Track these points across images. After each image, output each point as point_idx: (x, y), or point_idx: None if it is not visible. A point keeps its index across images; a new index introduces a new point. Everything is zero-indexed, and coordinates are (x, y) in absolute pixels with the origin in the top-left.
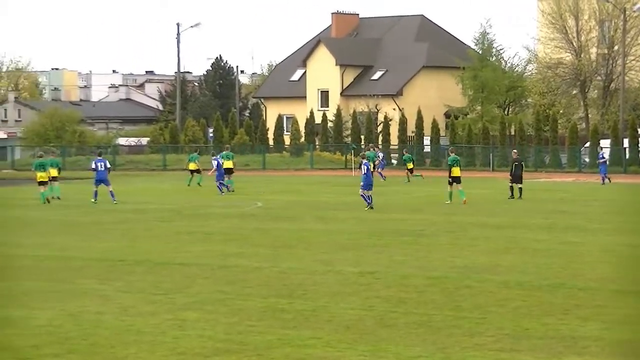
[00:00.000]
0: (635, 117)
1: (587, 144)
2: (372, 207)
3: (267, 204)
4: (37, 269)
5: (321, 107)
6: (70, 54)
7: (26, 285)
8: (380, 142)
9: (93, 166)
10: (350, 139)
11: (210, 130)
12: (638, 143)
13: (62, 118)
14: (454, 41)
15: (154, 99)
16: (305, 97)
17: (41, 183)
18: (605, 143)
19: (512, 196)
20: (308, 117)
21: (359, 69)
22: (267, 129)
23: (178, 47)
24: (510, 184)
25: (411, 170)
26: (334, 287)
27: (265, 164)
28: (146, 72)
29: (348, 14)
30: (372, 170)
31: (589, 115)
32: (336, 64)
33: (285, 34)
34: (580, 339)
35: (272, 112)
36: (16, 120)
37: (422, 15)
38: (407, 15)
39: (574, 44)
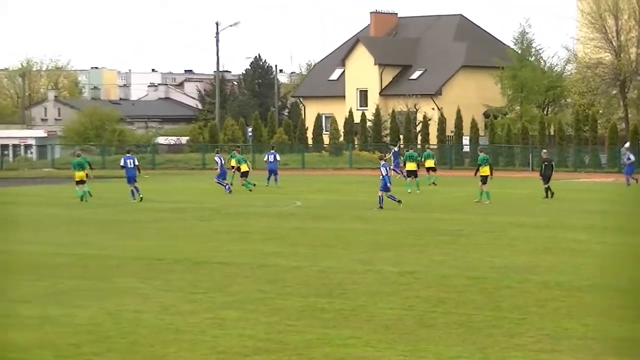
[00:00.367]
0: None
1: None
2: (382, 208)
3: (306, 203)
4: (77, 268)
5: (360, 106)
6: (109, 53)
7: (66, 284)
8: (419, 142)
9: (122, 163)
10: (389, 138)
11: (249, 129)
12: None
13: (101, 117)
14: (492, 41)
15: (193, 97)
16: (344, 96)
17: (79, 182)
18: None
19: (547, 196)
20: (347, 116)
21: (397, 68)
22: (306, 128)
23: (217, 46)
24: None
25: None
26: (373, 287)
27: (304, 163)
28: (185, 71)
29: (387, 13)
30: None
31: (629, 115)
32: (375, 64)
33: (324, 34)
34: (620, 340)
35: (311, 112)
36: (56, 119)
37: (460, 14)
38: (446, 15)
39: (614, 43)
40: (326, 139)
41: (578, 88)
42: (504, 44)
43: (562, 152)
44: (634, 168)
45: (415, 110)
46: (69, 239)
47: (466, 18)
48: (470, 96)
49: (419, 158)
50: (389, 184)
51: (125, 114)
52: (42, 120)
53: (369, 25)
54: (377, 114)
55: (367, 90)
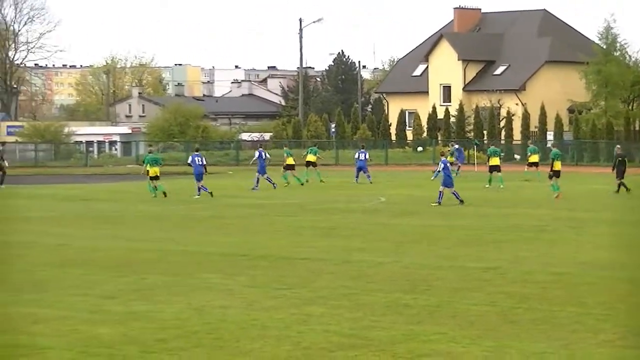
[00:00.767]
0: None
1: None
2: (439, 204)
3: (390, 199)
4: (162, 263)
5: (443, 102)
6: (193, 49)
7: (151, 280)
8: (502, 138)
9: (190, 161)
10: (472, 134)
11: (333, 125)
12: None
13: (185, 113)
14: (577, 36)
15: (276, 94)
16: (427, 92)
17: (153, 178)
18: None
19: (618, 191)
20: (430, 112)
21: (481, 64)
22: (390, 124)
23: (301, 42)
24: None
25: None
26: (457, 283)
27: (387, 159)
28: (268, 67)
29: (470, 8)
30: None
31: None
32: (458, 59)
33: (407, 29)
34: None
35: (394, 107)
36: (140, 116)
37: (544, 9)
38: (530, 10)
39: None
40: (409, 135)
41: None
42: (589, 39)
43: None
44: None
45: (499, 105)
46: (154, 235)
47: (550, 13)
48: (555, 91)
49: (502, 154)
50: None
51: (209, 110)
52: (127, 116)
53: (452, 20)
54: (461, 109)
55: (450, 86)
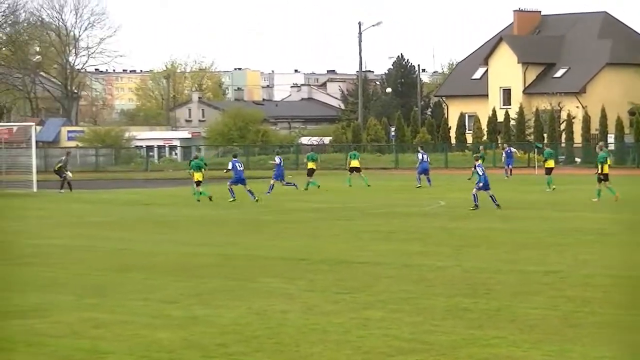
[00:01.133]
0: None
1: None
2: (477, 207)
3: (450, 202)
4: (223, 268)
5: (503, 105)
6: (253, 54)
7: (212, 284)
8: (563, 140)
9: (230, 167)
10: (532, 137)
11: (392, 129)
12: None
13: (245, 118)
14: (638, 38)
15: (335, 98)
16: (487, 95)
17: (198, 183)
18: None
19: None
20: (490, 115)
21: (541, 66)
22: (449, 128)
23: (360, 46)
24: None
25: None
26: (518, 287)
27: (447, 162)
28: (328, 71)
29: (530, 11)
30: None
31: None
32: (518, 62)
33: (466, 32)
34: None
35: (454, 111)
36: (200, 120)
37: (605, 12)
38: (590, 12)
39: None
40: (469, 138)
41: None
42: None
43: None
44: None
45: (559, 108)
46: (214, 239)
47: (611, 15)
48: (615, 94)
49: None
50: (488, 182)
51: (269, 114)
52: (186, 121)
53: (512, 23)
54: (521, 112)
55: (510, 89)
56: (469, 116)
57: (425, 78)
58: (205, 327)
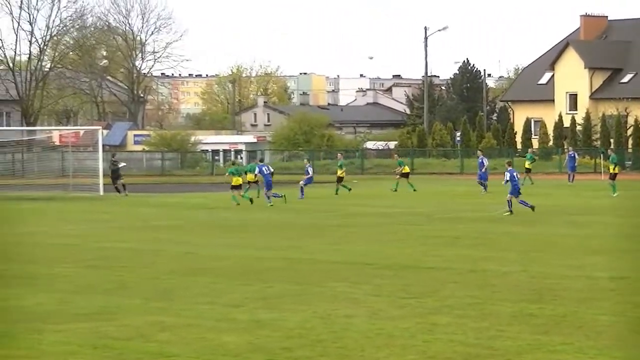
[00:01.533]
0: None
1: None
2: (511, 212)
3: (515, 208)
4: (288, 272)
5: (569, 110)
6: (318, 58)
7: (277, 288)
8: (630, 146)
9: (257, 172)
10: (599, 142)
11: (458, 133)
12: None
13: (310, 122)
14: None
15: (401, 102)
16: (553, 100)
17: (234, 187)
18: None
19: None
20: (556, 120)
21: (607, 71)
22: (515, 133)
23: (426, 50)
24: None
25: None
26: (585, 293)
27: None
28: (393, 76)
29: (597, 16)
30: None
31: None
32: (585, 67)
33: (532, 37)
34: None
35: (519, 116)
36: (265, 124)
37: None
38: None
39: None
40: (535, 143)
41: None
42: None
43: None
44: None
45: (626, 114)
46: (280, 243)
47: None
48: None
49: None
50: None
51: (334, 119)
52: (252, 125)
53: (578, 28)
54: (587, 118)
55: (576, 94)
56: (535, 121)
57: (491, 83)
58: (271, 330)
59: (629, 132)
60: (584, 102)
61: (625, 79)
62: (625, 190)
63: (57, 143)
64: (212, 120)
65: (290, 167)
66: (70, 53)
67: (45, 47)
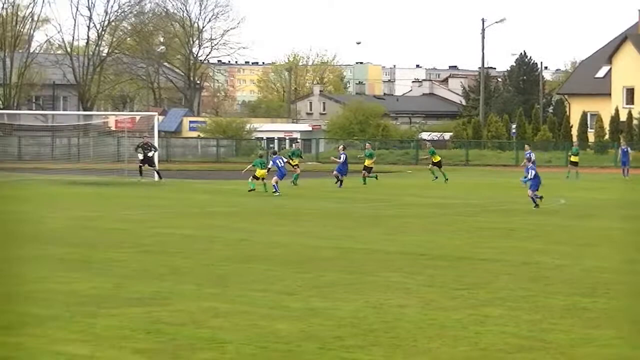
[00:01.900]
0: None
1: None
2: (537, 206)
3: (571, 201)
4: (341, 261)
5: (626, 104)
6: (374, 48)
7: (331, 276)
8: None
9: (271, 165)
10: None
11: (513, 126)
12: None
13: (365, 112)
14: None
15: (457, 93)
16: (609, 94)
17: (256, 177)
18: None
19: None
20: (613, 114)
21: None
22: (571, 126)
23: (482, 42)
24: None
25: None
26: (638, 287)
27: (567, 160)
28: (450, 67)
29: None
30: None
31: None
32: None
33: (590, 30)
34: None
35: (575, 109)
36: (321, 113)
37: None
38: None
39: None
40: (591, 137)
41: None
42: None
43: None
44: None
45: None
46: (334, 232)
47: None
48: None
49: None
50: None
51: (389, 109)
52: (307, 114)
53: (637, 22)
54: None
55: (634, 88)
56: (591, 115)
57: (547, 76)
58: (323, 319)
59: None
60: None
61: None
62: None
63: (113, 128)
64: (268, 108)
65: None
66: (128, 39)
67: (103, 33)
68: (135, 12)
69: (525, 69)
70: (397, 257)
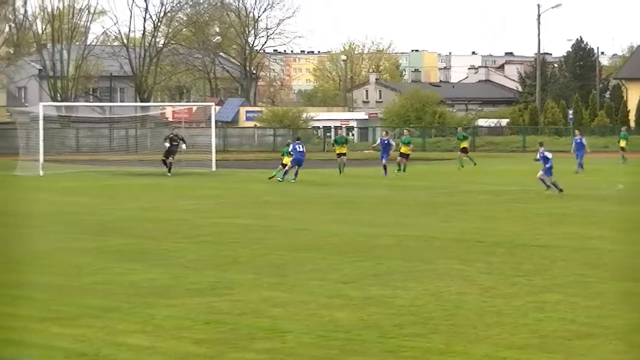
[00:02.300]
0: None
1: None
2: (561, 190)
3: (628, 186)
4: (399, 249)
5: None
6: (430, 35)
7: (388, 265)
8: None
9: (291, 149)
10: None
11: (570, 112)
12: None
13: (422, 99)
14: None
15: (513, 80)
16: None
17: (283, 165)
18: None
19: None
20: None
21: None
22: (628, 111)
23: (538, 28)
24: None
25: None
26: None
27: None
28: (505, 53)
29: None
30: None
31: None
32: None
33: None
34: None
35: (633, 94)
36: (377, 102)
37: None
38: None
39: None
40: None
41: None
42: None
43: None
44: None
45: None
46: (391, 220)
47: None
48: None
49: None
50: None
51: (445, 96)
52: (364, 102)
53: None
54: None
55: None
56: None
57: (604, 61)
58: (382, 307)
59: None
60: None
61: None
62: None
63: (170, 119)
64: (324, 97)
65: (398, 143)
66: (184, 29)
67: (159, 24)
68: (191, 3)
69: (582, 54)
70: (455, 244)
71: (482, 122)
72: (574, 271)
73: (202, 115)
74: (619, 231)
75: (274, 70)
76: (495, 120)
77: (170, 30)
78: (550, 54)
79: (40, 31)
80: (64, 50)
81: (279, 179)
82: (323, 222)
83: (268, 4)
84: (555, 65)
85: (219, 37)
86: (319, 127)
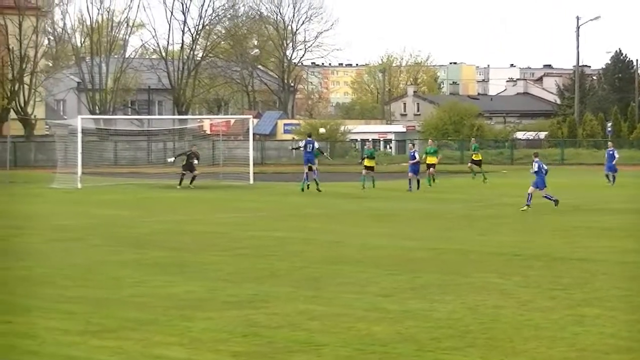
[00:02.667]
0: None
1: None
2: (557, 201)
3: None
4: (436, 262)
5: None
6: (468, 48)
7: (425, 278)
8: None
9: (301, 144)
10: None
11: (609, 124)
12: None
13: (460, 112)
14: None
15: (551, 92)
16: None
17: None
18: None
19: None
20: None
21: None
22: None
23: (577, 40)
24: None
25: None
26: None
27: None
28: (544, 65)
29: None
30: None
31: None
32: None
33: None
34: None
35: None
36: (415, 114)
37: None
38: None
39: None
40: None
41: None
42: None
43: None
44: None
45: None
46: (428, 233)
47: None
48: None
49: None
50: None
51: (484, 108)
52: (401, 115)
53: None
54: None
55: None
56: None
57: None
58: (419, 321)
59: None
60: None
61: None
62: None
63: (208, 132)
64: (362, 109)
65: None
66: (222, 42)
67: (197, 37)
68: (229, 16)
69: (621, 66)
70: (492, 257)
71: (520, 134)
72: (614, 284)
73: (240, 128)
74: None
75: (311, 83)
76: (534, 133)
77: (208, 43)
78: (589, 66)
79: (79, 44)
80: (102, 63)
81: (302, 188)
82: (361, 235)
83: (306, 17)
84: (594, 77)
85: (257, 50)
86: (357, 139)
